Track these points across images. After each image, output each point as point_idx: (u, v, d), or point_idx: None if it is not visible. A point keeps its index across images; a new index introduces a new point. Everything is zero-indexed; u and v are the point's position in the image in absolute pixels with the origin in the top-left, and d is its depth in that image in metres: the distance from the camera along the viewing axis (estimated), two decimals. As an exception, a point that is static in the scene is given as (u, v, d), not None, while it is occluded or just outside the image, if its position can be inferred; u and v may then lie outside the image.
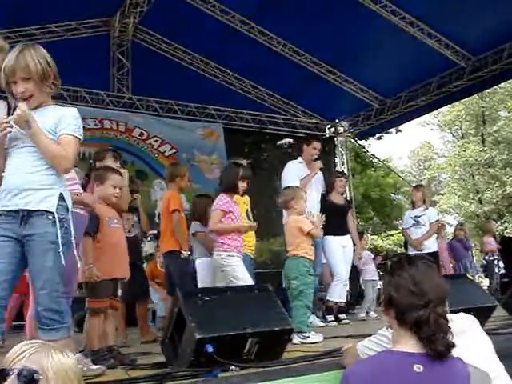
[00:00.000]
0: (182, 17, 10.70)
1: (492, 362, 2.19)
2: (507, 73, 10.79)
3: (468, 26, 10.02)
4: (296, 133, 13.60)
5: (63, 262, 2.86)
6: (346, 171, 14.22)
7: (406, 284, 2.02)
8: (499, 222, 28.43)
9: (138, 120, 11.57)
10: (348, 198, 13.84)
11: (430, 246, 7.49)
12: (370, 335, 2.74)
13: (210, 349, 3.10)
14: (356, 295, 10.51)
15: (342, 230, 7.12)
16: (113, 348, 4.06)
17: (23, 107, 2.85)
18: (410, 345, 1.97)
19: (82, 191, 3.67)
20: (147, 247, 8.55)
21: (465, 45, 10.75)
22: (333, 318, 6.98)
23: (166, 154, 11.70)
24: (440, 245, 8.91)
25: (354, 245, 7.42)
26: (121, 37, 11.48)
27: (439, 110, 24.84)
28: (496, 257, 11.48)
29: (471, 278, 5.78)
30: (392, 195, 30.96)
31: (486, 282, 12.92)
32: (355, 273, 8.42)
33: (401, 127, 23.76)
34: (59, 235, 2.85)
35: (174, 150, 11.77)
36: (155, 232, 7.68)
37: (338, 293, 7.00)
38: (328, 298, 7.05)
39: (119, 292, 4.27)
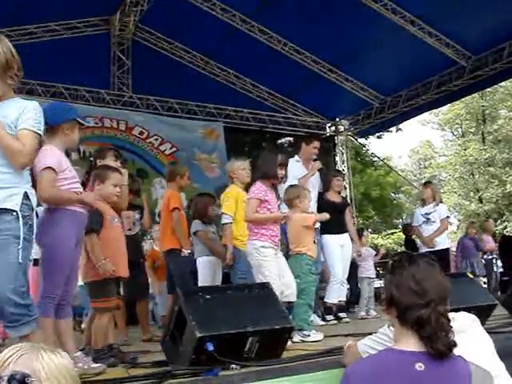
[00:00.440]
0: (183, 15, 10.70)
1: (492, 361, 2.19)
2: (507, 72, 10.79)
3: (468, 25, 10.01)
4: (296, 131, 13.62)
5: (21, 260, 2.81)
6: (346, 170, 14.24)
7: (407, 283, 2.02)
8: (499, 221, 28.45)
9: (138, 119, 11.57)
10: (348, 197, 13.89)
11: (442, 242, 7.41)
12: (370, 334, 2.74)
13: (210, 347, 3.11)
14: (356, 293, 10.51)
15: (339, 228, 7.09)
16: (113, 346, 4.06)
17: None
18: (411, 343, 1.96)
19: (82, 190, 3.66)
20: (148, 246, 8.56)
21: (465, 44, 10.75)
22: (332, 318, 6.98)
23: (167, 152, 11.70)
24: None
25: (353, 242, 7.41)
26: (121, 35, 11.48)
27: (439, 108, 24.83)
28: (494, 256, 11.46)
29: (471, 276, 5.77)
30: (392, 194, 30.97)
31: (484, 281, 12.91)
32: (355, 271, 8.40)
33: (401, 126, 23.76)
34: (21, 231, 2.82)
35: (174, 149, 11.77)
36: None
37: (336, 294, 7.00)
38: (326, 300, 7.04)
39: (121, 291, 4.28)
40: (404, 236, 11.69)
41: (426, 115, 27.14)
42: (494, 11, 9.32)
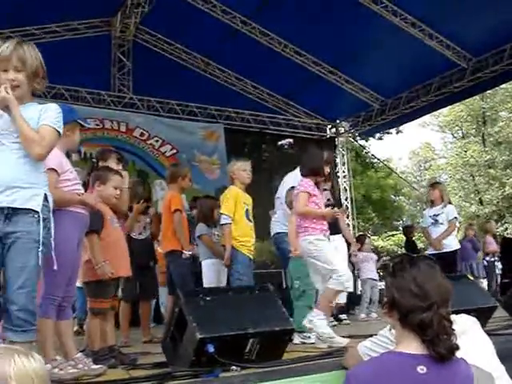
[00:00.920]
0: (183, 17, 10.71)
1: (493, 364, 2.19)
2: (508, 74, 10.79)
3: (469, 27, 10.02)
4: (297, 133, 13.63)
5: (38, 264, 2.82)
6: (346, 172, 14.24)
7: (409, 286, 2.01)
8: (500, 223, 28.41)
9: (138, 120, 11.57)
10: (348, 199, 13.89)
11: (450, 244, 7.21)
12: (370, 335, 2.74)
13: (210, 349, 3.11)
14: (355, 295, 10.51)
15: (331, 230, 7.03)
16: (113, 348, 4.06)
17: (3, 92, 2.84)
18: (413, 346, 1.96)
19: (83, 191, 3.66)
20: None
21: (466, 45, 10.75)
22: (332, 319, 6.97)
23: (167, 154, 11.71)
24: None
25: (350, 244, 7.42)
26: (122, 37, 11.49)
27: (440, 110, 24.82)
28: (496, 257, 11.44)
29: (472, 278, 5.76)
30: (392, 196, 30.97)
31: (485, 283, 12.89)
32: (352, 273, 8.39)
33: (401, 128, 23.75)
34: (42, 235, 2.83)
35: (174, 151, 11.77)
36: None
37: None
38: None
39: (119, 292, 4.28)
40: (404, 238, 11.71)
41: (426, 117, 27.11)
42: (495, 13, 9.33)
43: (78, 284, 4.12)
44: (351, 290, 4.54)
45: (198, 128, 12.27)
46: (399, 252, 21.24)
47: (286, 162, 12.83)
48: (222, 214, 5.62)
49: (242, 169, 5.77)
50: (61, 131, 3.01)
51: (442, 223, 7.27)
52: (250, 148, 13.57)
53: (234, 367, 3.07)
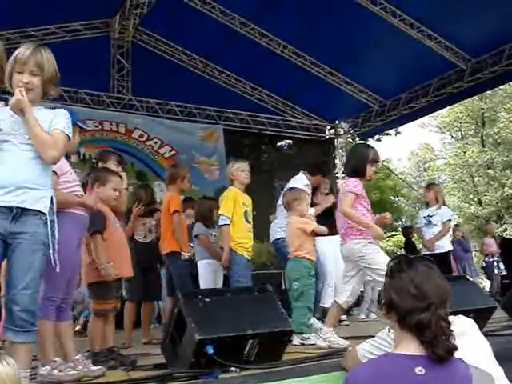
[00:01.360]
0: (182, 18, 10.71)
1: (491, 366, 2.19)
2: (507, 75, 10.78)
3: (468, 28, 10.01)
4: (296, 134, 13.63)
5: (42, 267, 2.84)
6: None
7: (406, 287, 2.01)
8: (499, 224, 28.41)
9: (137, 121, 11.57)
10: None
11: (443, 245, 7.27)
12: (370, 336, 2.75)
13: (210, 350, 3.11)
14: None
15: (330, 230, 7.02)
16: (113, 349, 4.06)
17: (19, 95, 2.87)
18: (411, 347, 1.96)
19: (82, 193, 3.67)
20: None
21: (464, 46, 10.75)
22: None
23: (166, 155, 11.71)
24: None
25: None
26: (121, 38, 11.49)
27: (439, 111, 24.83)
28: (496, 258, 11.45)
29: (471, 279, 5.76)
30: (392, 197, 30.98)
31: (487, 284, 12.90)
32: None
33: (400, 129, 23.73)
34: (47, 237, 2.85)
35: (173, 152, 11.77)
36: None
37: (330, 298, 6.99)
38: (321, 304, 7.02)
39: (123, 292, 4.28)
40: (404, 238, 11.70)
41: (425, 118, 27.10)
42: (494, 14, 9.33)
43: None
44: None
45: (197, 129, 12.28)
46: (399, 253, 21.25)
47: (285, 163, 12.87)
48: (220, 214, 5.62)
49: (241, 170, 5.77)
50: (70, 137, 3.06)
51: (435, 224, 7.30)
52: (249, 149, 13.57)
53: (233, 368, 3.08)
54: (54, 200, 2.98)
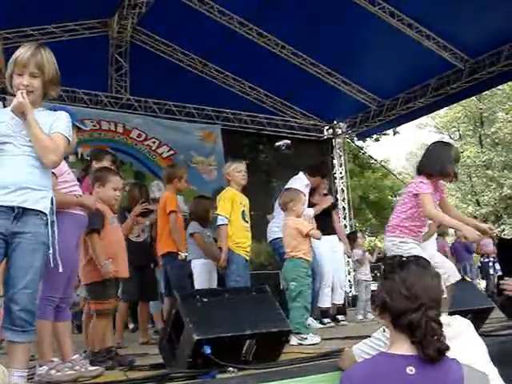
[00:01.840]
0: (181, 18, 10.71)
1: (486, 366, 2.20)
2: (505, 75, 10.81)
3: (466, 28, 10.03)
4: (294, 134, 13.63)
5: (42, 267, 2.85)
6: (343, 173, 14.25)
7: (398, 288, 2.02)
8: (497, 224, 28.46)
9: (136, 121, 11.56)
10: (346, 200, 13.90)
11: (429, 246, 7.30)
12: (367, 336, 2.75)
13: (207, 350, 3.11)
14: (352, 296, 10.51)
15: (327, 230, 7.04)
16: (111, 349, 4.06)
17: (20, 97, 2.87)
18: (404, 347, 1.97)
19: (81, 193, 3.67)
20: None
21: (463, 47, 10.77)
22: (330, 321, 6.98)
23: (164, 155, 11.70)
24: (439, 244, 8.77)
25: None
26: (119, 38, 11.48)
27: (437, 111, 24.87)
28: (491, 258, 11.45)
29: (469, 279, 5.76)
30: (390, 197, 30.99)
31: (483, 284, 12.91)
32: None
33: (398, 129, 23.77)
34: (47, 238, 2.86)
35: (171, 152, 11.77)
36: None
37: (327, 297, 7.01)
38: (319, 305, 7.03)
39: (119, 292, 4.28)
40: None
41: (423, 118, 27.14)
42: (492, 14, 9.35)
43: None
44: (456, 278, 4.19)
45: (195, 129, 12.27)
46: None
47: (284, 163, 12.86)
48: (218, 214, 5.61)
49: (237, 170, 5.76)
50: (71, 140, 3.07)
51: None
52: (248, 149, 13.56)
53: (230, 368, 3.08)
54: (54, 200, 2.99)
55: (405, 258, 2.17)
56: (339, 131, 14.43)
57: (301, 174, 7.08)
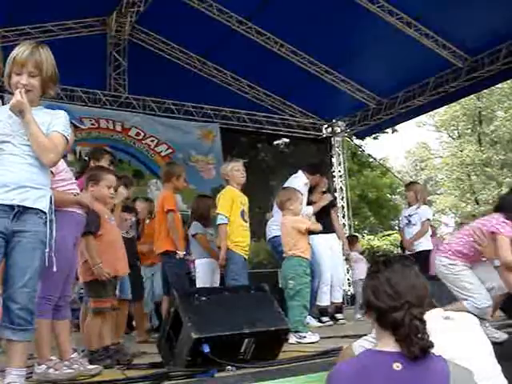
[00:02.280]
0: (179, 16, 10.69)
1: (490, 363, 2.22)
2: (504, 73, 10.80)
3: (465, 27, 10.03)
4: (293, 133, 13.63)
5: (41, 266, 2.85)
6: (342, 171, 14.25)
7: (383, 287, 2.03)
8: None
9: (134, 119, 11.55)
10: (344, 198, 13.91)
11: (422, 244, 7.20)
12: (365, 335, 2.75)
13: (206, 349, 3.11)
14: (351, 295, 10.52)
15: (325, 229, 7.03)
16: (109, 348, 4.06)
17: (19, 96, 2.86)
18: (391, 344, 1.99)
19: (78, 191, 3.66)
20: None
21: (462, 45, 10.76)
22: (328, 319, 6.98)
23: (163, 153, 11.69)
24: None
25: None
26: (117, 36, 11.47)
27: (436, 110, 24.87)
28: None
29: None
30: (389, 196, 31.01)
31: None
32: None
33: (397, 127, 23.77)
34: (46, 236, 2.86)
35: (170, 150, 11.76)
36: None
37: (326, 296, 7.01)
38: (317, 303, 7.03)
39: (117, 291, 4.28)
40: (400, 237, 11.70)
41: (422, 117, 27.13)
42: (491, 13, 9.34)
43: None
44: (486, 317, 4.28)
45: (193, 127, 12.26)
46: (395, 251, 21.28)
47: (282, 161, 12.88)
48: (218, 213, 5.61)
49: (236, 169, 5.76)
50: (69, 139, 3.06)
51: (414, 224, 7.24)
52: (246, 148, 13.57)
53: (229, 367, 3.08)
54: (53, 199, 2.98)
55: (391, 258, 2.19)
56: (338, 130, 14.41)
57: (300, 172, 7.08)
